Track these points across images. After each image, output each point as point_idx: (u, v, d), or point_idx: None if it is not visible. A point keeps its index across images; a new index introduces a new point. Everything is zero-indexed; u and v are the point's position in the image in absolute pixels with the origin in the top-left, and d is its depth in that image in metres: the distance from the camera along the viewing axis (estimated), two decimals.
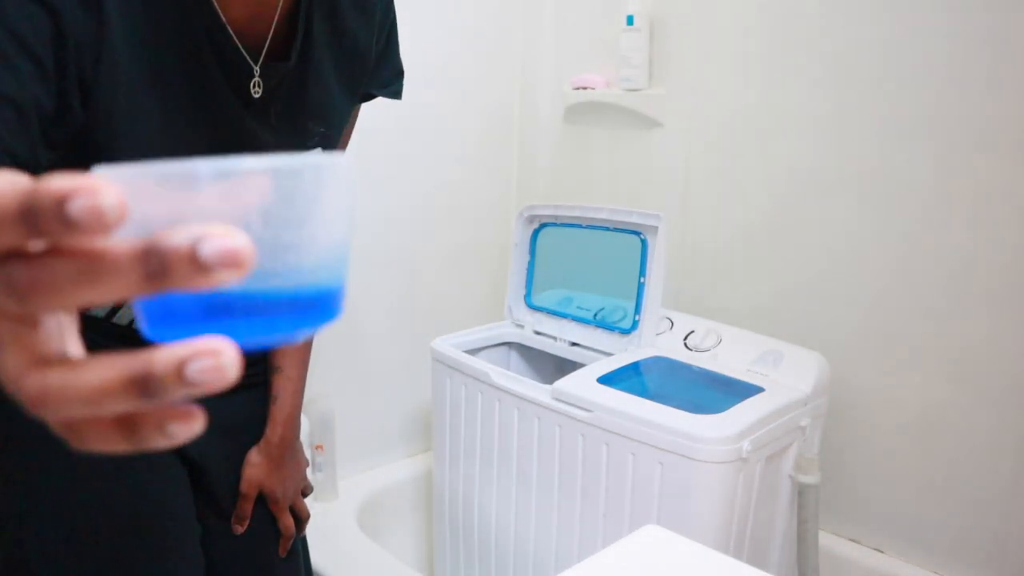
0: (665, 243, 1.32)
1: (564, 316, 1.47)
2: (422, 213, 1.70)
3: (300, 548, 1.10)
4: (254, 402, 1.01)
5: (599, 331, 1.42)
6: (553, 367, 1.48)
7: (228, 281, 0.24)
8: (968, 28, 1.19)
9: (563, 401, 1.19)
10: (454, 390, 1.39)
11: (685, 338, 1.35)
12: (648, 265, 1.34)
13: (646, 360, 1.30)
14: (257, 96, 0.78)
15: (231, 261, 0.24)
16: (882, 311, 1.33)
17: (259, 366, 1.02)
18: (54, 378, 0.26)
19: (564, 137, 1.77)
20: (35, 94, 0.61)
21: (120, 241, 0.24)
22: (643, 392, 1.16)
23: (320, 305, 0.30)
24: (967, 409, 1.26)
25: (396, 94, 0.99)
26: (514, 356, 1.58)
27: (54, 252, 0.24)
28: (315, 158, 0.29)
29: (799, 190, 1.41)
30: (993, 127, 1.19)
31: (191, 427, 0.27)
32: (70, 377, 0.25)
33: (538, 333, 1.50)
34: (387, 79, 0.97)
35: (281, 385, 1.01)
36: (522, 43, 1.80)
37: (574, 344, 1.44)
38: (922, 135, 1.26)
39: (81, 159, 0.62)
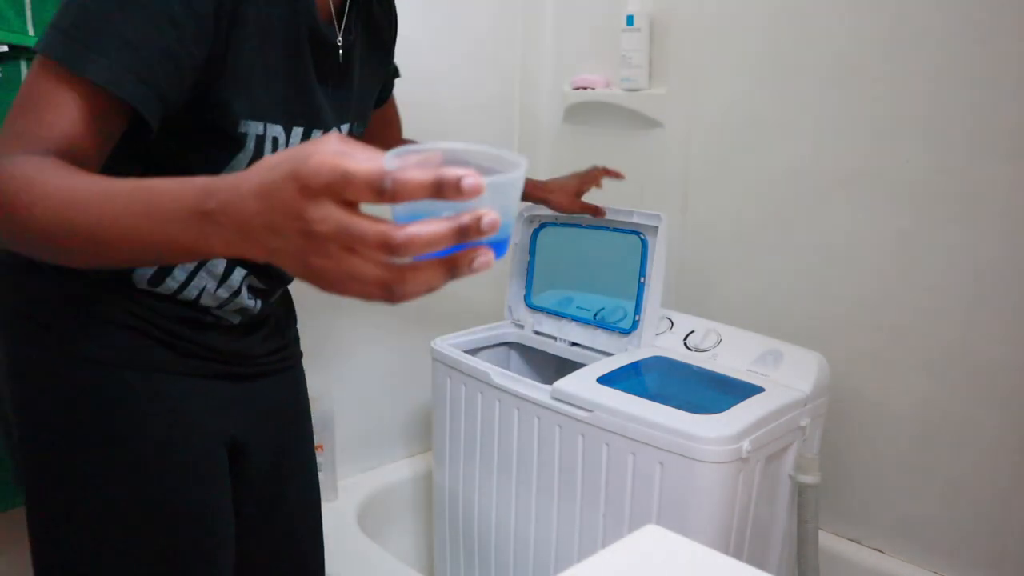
0: (665, 243, 1.32)
1: (564, 316, 1.47)
2: None
3: (321, 530, 1.13)
4: (288, 385, 1.05)
5: (599, 331, 1.42)
6: (553, 367, 1.48)
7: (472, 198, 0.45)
8: (965, 28, 1.19)
9: (563, 401, 1.19)
10: (454, 390, 1.39)
11: (685, 338, 1.35)
12: (648, 265, 1.34)
13: (646, 360, 1.30)
14: (334, 68, 0.87)
15: (473, 190, 0.45)
16: (882, 311, 1.33)
17: (289, 349, 1.05)
18: (412, 229, 0.46)
19: (564, 137, 1.77)
20: (192, 52, 0.70)
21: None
22: (643, 392, 1.16)
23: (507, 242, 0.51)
24: (967, 409, 1.26)
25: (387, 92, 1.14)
26: (514, 356, 1.58)
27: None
28: (519, 160, 0.50)
29: (799, 190, 1.41)
30: (992, 126, 1.19)
31: (488, 260, 0.48)
32: (420, 228, 0.46)
33: (538, 333, 1.50)
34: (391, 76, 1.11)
35: None
36: (522, 43, 1.80)
37: (574, 344, 1.44)
38: (922, 135, 1.26)
39: (203, 105, 0.75)
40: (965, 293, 1.24)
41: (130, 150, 0.74)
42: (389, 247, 0.46)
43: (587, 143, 1.73)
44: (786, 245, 1.44)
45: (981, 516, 1.26)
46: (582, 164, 1.75)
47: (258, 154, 0.80)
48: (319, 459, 1.53)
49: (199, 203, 0.52)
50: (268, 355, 0.99)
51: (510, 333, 1.55)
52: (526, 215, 1.51)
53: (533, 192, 1.34)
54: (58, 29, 0.66)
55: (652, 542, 0.59)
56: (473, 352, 1.43)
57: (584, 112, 1.71)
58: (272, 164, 0.49)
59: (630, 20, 1.55)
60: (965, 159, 1.22)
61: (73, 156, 0.65)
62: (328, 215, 0.46)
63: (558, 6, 1.75)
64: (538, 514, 1.27)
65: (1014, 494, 1.22)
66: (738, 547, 1.13)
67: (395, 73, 1.14)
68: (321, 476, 1.54)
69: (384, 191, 0.45)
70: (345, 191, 0.46)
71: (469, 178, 0.44)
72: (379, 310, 1.67)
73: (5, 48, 1.05)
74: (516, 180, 0.49)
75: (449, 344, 1.42)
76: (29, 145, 0.64)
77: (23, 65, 1.08)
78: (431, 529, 1.64)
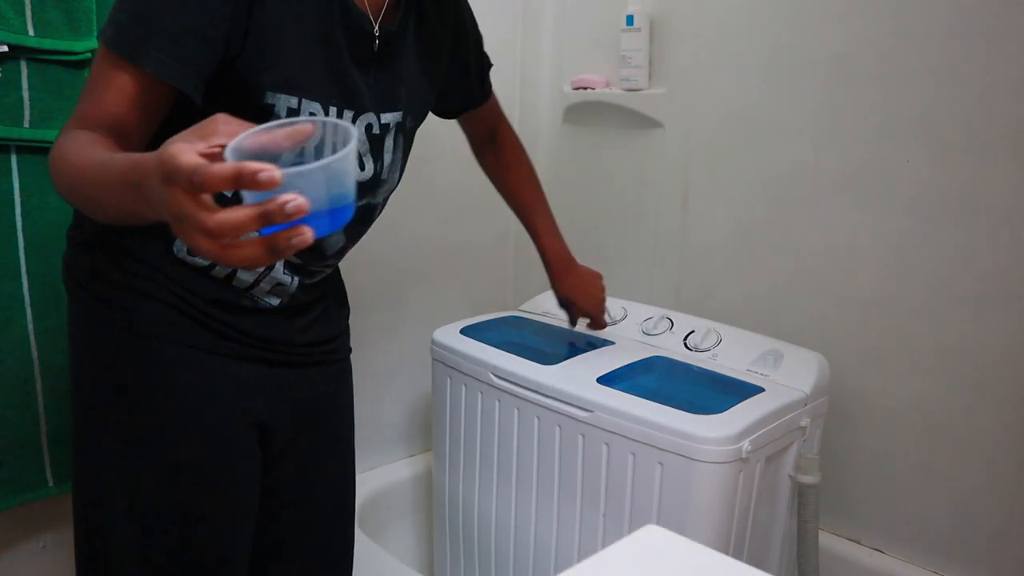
0: None
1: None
2: (421, 212, 1.70)
3: (353, 519, 1.15)
4: (330, 379, 1.07)
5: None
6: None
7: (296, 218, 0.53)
8: (965, 28, 1.19)
9: (563, 401, 1.19)
10: (454, 390, 1.39)
11: (685, 338, 1.35)
12: None
13: (646, 360, 1.30)
14: (370, 54, 0.91)
15: (269, 183, 0.52)
16: (882, 311, 1.33)
17: (336, 342, 1.07)
18: (220, 216, 0.54)
19: (564, 137, 1.77)
20: (224, 32, 0.79)
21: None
22: (643, 392, 1.16)
23: (348, 208, 0.58)
24: (967, 409, 1.26)
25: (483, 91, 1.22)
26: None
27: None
28: (350, 135, 0.57)
29: (799, 190, 1.41)
30: (992, 127, 1.19)
31: (303, 239, 0.54)
32: (228, 215, 0.54)
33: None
34: (470, 86, 1.19)
35: (537, 236, 1.31)
36: (522, 43, 1.80)
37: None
38: (921, 135, 1.26)
39: (232, 77, 0.82)
40: (965, 293, 1.24)
41: (180, 121, 0.80)
42: (206, 231, 0.54)
43: (587, 143, 1.73)
44: (786, 245, 1.44)
45: (981, 516, 1.26)
46: (582, 164, 1.75)
47: None
48: None
49: (132, 177, 0.63)
50: (310, 345, 1.01)
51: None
52: None
53: (551, 268, 1.32)
54: (117, 23, 0.78)
55: (652, 542, 0.59)
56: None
57: (584, 112, 1.71)
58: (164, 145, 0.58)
59: (630, 20, 1.55)
60: (965, 159, 1.22)
61: (120, 131, 0.78)
62: (173, 199, 0.55)
63: (558, 6, 1.75)
64: (538, 514, 1.27)
65: (1015, 494, 1.22)
66: (738, 547, 1.13)
67: (479, 75, 1.18)
68: None
69: (195, 184, 0.54)
70: (175, 181, 0.55)
71: (264, 172, 0.51)
72: (379, 311, 1.67)
73: (5, 48, 1.05)
74: (338, 160, 0.55)
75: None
76: (85, 123, 0.77)
77: (23, 65, 1.08)
78: (431, 529, 1.64)
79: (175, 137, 0.58)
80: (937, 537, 1.31)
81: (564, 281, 1.32)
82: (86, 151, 0.73)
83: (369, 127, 0.94)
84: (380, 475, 1.70)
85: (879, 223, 1.32)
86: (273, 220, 0.53)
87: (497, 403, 1.29)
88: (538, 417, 1.23)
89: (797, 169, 1.41)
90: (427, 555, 1.73)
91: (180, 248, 0.89)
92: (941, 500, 1.30)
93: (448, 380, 1.39)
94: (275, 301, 0.95)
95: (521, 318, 1.54)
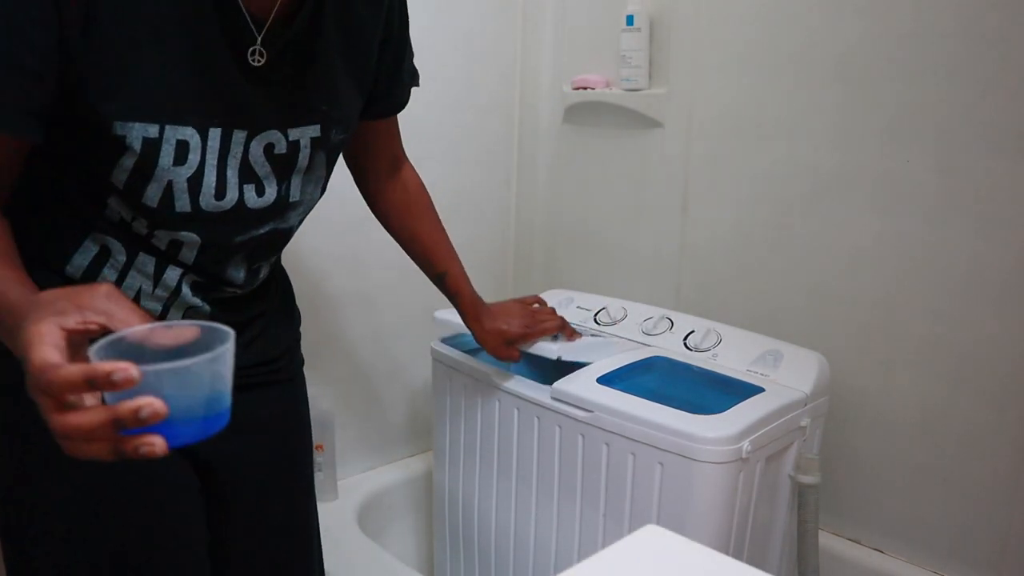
0: None
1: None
2: None
3: (316, 548, 1.10)
4: (277, 399, 1.01)
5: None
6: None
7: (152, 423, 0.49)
8: (972, 28, 1.19)
9: (563, 401, 1.19)
10: (454, 390, 1.39)
11: (685, 338, 1.35)
12: None
13: (646, 360, 1.30)
14: (258, 64, 0.79)
15: (125, 383, 0.49)
16: (882, 311, 1.33)
17: (278, 363, 1.00)
18: (68, 419, 0.51)
19: (564, 137, 1.77)
20: (53, 61, 0.68)
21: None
22: (643, 392, 1.16)
23: (220, 416, 0.55)
24: (967, 409, 1.26)
25: (401, 99, 1.02)
26: None
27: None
28: (227, 336, 0.55)
29: (799, 190, 1.41)
30: (996, 127, 1.19)
31: (150, 448, 0.50)
32: (79, 419, 0.50)
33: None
34: (401, 82, 1.00)
35: (453, 280, 1.18)
36: (522, 43, 1.80)
37: None
38: (923, 135, 1.26)
39: (80, 115, 0.72)
40: (966, 293, 1.24)
41: (44, 152, 0.76)
42: (56, 430, 0.51)
43: (587, 143, 1.73)
44: (786, 245, 1.44)
45: (981, 516, 1.26)
46: (582, 164, 1.75)
47: (152, 157, 0.75)
48: (319, 459, 1.54)
49: (5, 319, 0.61)
50: (248, 368, 0.92)
51: None
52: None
53: (468, 313, 1.20)
54: None
55: (652, 542, 0.59)
56: (474, 352, 1.43)
57: (584, 112, 1.71)
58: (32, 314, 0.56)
59: (630, 20, 1.55)
60: (966, 159, 1.22)
61: None
62: (28, 381, 0.52)
63: (558, 6, 1.75)
64: (538, 514, 1.27)
65: (1014, 494, 1.22)
66: (738, 547, 1.13)
67: (407, 80, 1.02)
68: (321, 476, 1.55)
69: (41, 385, 0.50)
70: (28, 370, 0.52)
71: (119, 372, 0.48)
72: (379, 310, 1.67)
73: None
74: (205, 361, 0.51)
75: (449, 344, 1.42)
76: None
77: None
78: (431, 529, 1.64)
79: (51, 294, 0.57)
80: (937, 537, 1.31)
81: (487, 319, 1.20)
82: None
83: (270, 147, 0.82)
84: (380, 475, 1.70)
85: (879, 223, 1.32)
86: (125, 425, 0.48)
87: (497, 403, 1.29)
88: (538, 417, 1.23)
89: (797, 169, 1.40)
90: (427, 555, 1.73)
91: (76, 269, 0.81)
92: (941, 500, 1.30)
93: (448, 380, 1.39)
94: None
95: None
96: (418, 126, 1.65)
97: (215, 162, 0.79)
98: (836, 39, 1.33)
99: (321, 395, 1.54)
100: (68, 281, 0.81)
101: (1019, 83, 1.16)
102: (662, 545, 0.59)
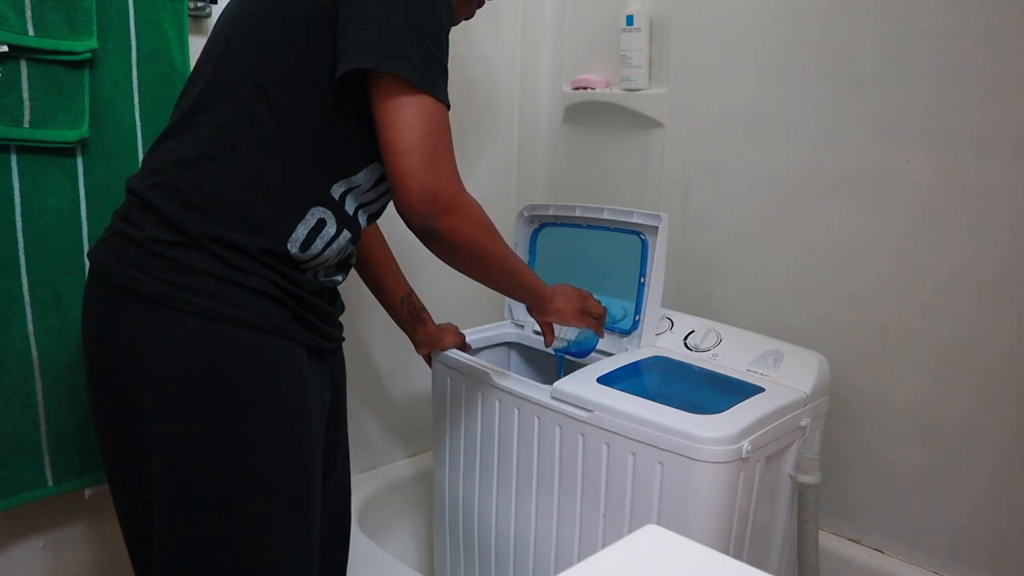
0: (666, 243, 1.32)
1: None
2: None
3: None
4: (342, 359, 1.14)
5: None
6: (553, 367, 1.48)
7: None
8: (965, 28, 1.19)
9: (563, 401, 1.19)
10: (454, 390, 1.39)
11: (685, 338, 1.35)
12: (648, 265, 1.34)
13: (646, 360, 1.30)
14: None
15: None
16: (882, 311, 1.33)
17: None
18: (600, 316, 1.30)
19: (564, 137, 1.78)
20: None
21: None
22: (643, 392, 1.16)
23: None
24: (967, 409, 1.26)
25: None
26: (514, 356, 1.58)
27: None
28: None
29: (799, 190, 1.41)
30: (992, 126, 1.19)
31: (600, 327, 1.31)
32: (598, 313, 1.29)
33: (538, 333, 1.50)
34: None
35: (416, 296, 1.42)
36: (522, 43, 1.80)
37: None
38: (922, 135, 1.26)
39: None
40: (966, 292, 1.24)
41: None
42: (602, 322, 1.14)
43: (587, 143, 1.73)
44: (786, 245, 1.44)
45: (981, 516, 1.26)
46: (582, 164, 1.75)
47: None
48: None
49: (537, 292, 1.19)
50: (340, 328, 1.08)
51: (510, 333, 1.55)
52: (526, 215, 1.51)
53: (427, 321, 1.42)
54: (414, 64, 0.86)
55: (652, 542, 0.59)
56: (473, 352, 1.43)
57: (584, 112, 1.71)
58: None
59: (630, 20, 1.55)
60: (966, 159, 1.22)
61: None
62: (583, 316, 1.26)
63: (558, 6, 1.75)
64: (538, 514, 1.27)
65: (1014, 494, 1.22)
66: (738, 547, 1.13)
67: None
68: None
69: (590, 311, 1.27)
70: (590, 313, 1.26)
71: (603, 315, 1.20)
72: (379, 311, 1.67)
73: (5, 48, 1.05)
74: (597, 338, 1.30)
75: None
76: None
77: (23, 65, 1.08)
78: (431, 529, 1.64)
79: (567, 289, 1.23)
80: (937, 537, 1.31)
81: (427, 329, 1.41)
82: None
83: None
84: (380, 475, 1.70)
85: (879, 223, 1.32)
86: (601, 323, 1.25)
87: (497, 403, 1.29)
88: (538, 417, 1.23)
89: (797, 169, 1.41)
90: (427, 555, 1.73)
91: (294, 242, 0.94)
92: (941, 500, 1.30)
93: (448, 380, 1.39)
94: (340, 277, 1.04)
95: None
96: None
97: None
98: (836, 39, 1.33)
99: None
100: (282, 253, 0.94)
101: (1019, 83, 1.16)
102: (662, 545, 0.59)
